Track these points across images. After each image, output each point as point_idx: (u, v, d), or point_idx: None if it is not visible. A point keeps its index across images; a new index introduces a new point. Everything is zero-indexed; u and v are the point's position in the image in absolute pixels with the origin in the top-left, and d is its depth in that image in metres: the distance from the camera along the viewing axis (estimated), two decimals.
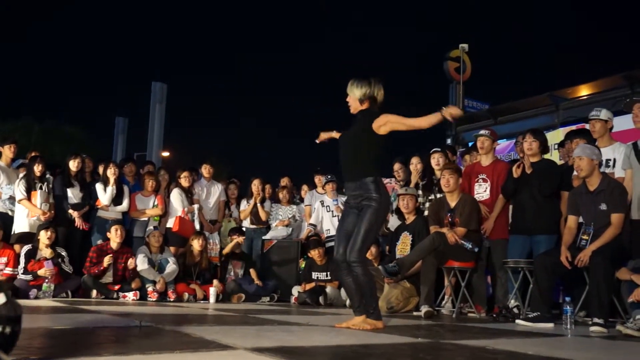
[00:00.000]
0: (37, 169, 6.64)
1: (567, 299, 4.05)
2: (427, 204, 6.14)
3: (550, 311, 4.37)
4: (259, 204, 7.84)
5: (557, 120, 10.07)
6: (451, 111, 3.58)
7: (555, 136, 8.39)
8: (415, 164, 6.45)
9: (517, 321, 4.35)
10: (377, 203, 3.62)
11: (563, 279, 5.08)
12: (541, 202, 5.10)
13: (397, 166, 6.82)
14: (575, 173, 4.77)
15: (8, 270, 6.19)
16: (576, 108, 9.76)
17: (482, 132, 5.84)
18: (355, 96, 3.82)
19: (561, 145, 6.43)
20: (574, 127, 7.59)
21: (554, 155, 7.06)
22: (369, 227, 3.61)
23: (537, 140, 5.25)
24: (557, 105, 10.36)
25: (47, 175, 6.83)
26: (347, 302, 6.29)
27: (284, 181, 8.76)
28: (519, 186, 5.20)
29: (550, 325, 4.13)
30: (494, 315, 4.98)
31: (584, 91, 10.43)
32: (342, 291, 6.60)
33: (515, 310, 4.92)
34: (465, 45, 16.23)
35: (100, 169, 7.28)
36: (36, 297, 5.90)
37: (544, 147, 5.34)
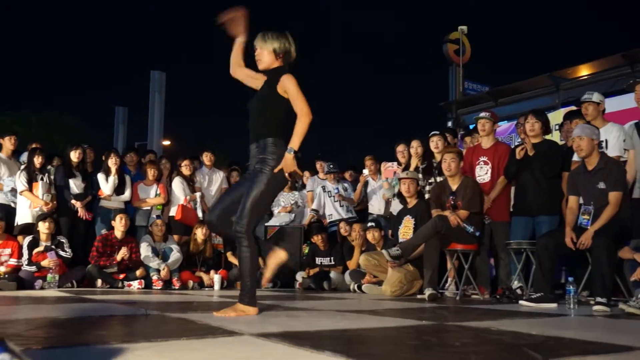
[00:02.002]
0: (37, 160, 6.66)
1: (570, 279, 4.07)
2: (428, 187, 6.15)
3: (553, 291, 4.40)
4: None
5: (558, 101, 10.02)
6: (289, 169, 3.22)
7: (556, 117, 8.35)
8: (415, 147, 6.44)
9: (521, 302, 4.37)
10: (270, 168, 3.22)
11: (566, 260, 5.09)
12: (543, 183, 5.10)
13: (400, 147, 6.80)
14: (575, 155, 4.76)
15: (12, 262, 6.21)
16: (577, 88, 9.70)
17: (482, 114, 5.83)
18: (269, 49, 3.38)
19: (562, 125, 6.41)
20: (574, 108, 7.56)
21: (555, 136, 7.04)
22: (258, 193, 3.20)
23: (539, 121, 5.25)
24: (557, 86, 10.30)
25: (48, 167, 6.84)
26: (352, 286, 6.33)
27: None
28: (521, 168, 5.20)
29: (554, 305, 4.15)
30: (498, 297, 5.00)
31: (584, 71, 10.38)
32: (347, 276, 6.63)
33: (519, 291, 4.94)
34: (465, 27, 16.11)
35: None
36: (41, 288, 5.93)
37: (546, 128, 5.33)
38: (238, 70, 3.60)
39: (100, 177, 7.03)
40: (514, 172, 5.28)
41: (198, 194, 7.45)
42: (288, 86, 3.29)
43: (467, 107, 12.36)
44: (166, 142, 21.28)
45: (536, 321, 3.14)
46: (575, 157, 4.87)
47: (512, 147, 5.77)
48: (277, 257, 3.44)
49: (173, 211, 7.29)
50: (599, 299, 3.93)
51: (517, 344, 2.11)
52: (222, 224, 3.38)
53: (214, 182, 7.87)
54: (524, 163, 5.17)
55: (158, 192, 7.31)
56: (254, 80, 3.55)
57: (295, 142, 3.24)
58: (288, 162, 3.21)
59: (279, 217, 7.97)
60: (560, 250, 4.44)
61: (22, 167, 6.72)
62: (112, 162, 6.99)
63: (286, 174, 3.24)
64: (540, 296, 4.25)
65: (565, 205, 4.76)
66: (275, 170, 3.21)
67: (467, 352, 1.88)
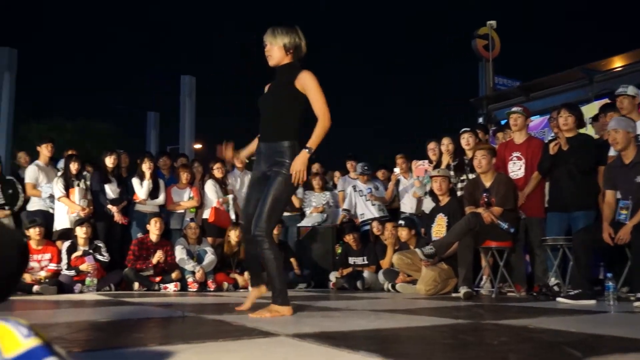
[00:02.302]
0: (74, 166, 6.80)
1: (609, 275, 3.99)
2: (460, 185, 6.09)
3: (591, 288, 4.31)
4: None
5: (592, 94, 9.83)
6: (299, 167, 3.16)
7: (589, 110, 8.19)
8: (446, 144, 6.39)
9: (558, 299, 4.29)
10: (289, 170, 3.16)
11: (604, 255, 4.99)
12: (578, 178, 5.01)
13: (432, 145, 6.75)
14: (611, 150, 4.67)
15: (52, 266, 6.36)
16: (610, 80, 9.50)
17: (514, 109, 5.75)
18: (279, 44, 3.30)
19: (595, 119, 6.29)
20: (608, 101, 7.40)
21: (589, 130, 6.91)
22: (277, 196, 3.16)
23: (573, 115, 5.15)
24: (590, 78, 10.10)
25: (84, 172, 6.99)
26: (385, 285, 6.31)
27: (315, 167, 8.79)
28: (556, 163, 5.11)
29: (593, 302, 4.07)
30: (534, 294, 4.93)
31: (617, 63, 10.16)
32: (380, 275, 6.61)
33: (556, 288, 4.86)
34: (493, 22, 15.92)
35: None
36: (80, 292, 6.06)
37: (580, 122, 5.23)
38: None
39: (135, 181, 7.15)
40: (547, 168, 5.20)
41: (231, 196, 7.52)
42: (309, 84, 3.24)
43: (498, 103, 12.22)
44: (198, 146, 21.50)
45: (575, 318, 3.09)
46: (611, 152, 4.78)
47: (545, 142, 5.68)
48: (259, 291, 3.54)
49: (206, 214, 7.37)
50: (639, 295, 3.84)
51: (556, 342, 2.08)
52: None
53: (246, 184, 7.91)
54: (558, 158, 5.08)
55: (191, 195, 7.40)
56: None
57: (313, 142, 3.22)
58: (301, 160, 3.17)
59: (311, 218, 7.99)
60: (598, 245, 4.36)
61: (59, 173, 6.88)
62: (146, 167, 7.10)
63: (292, 172, 3.17)
64: (578, 293, 4.17)
65: (602, 200, 4.67)
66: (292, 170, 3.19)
67: (505, 350, 1.86)
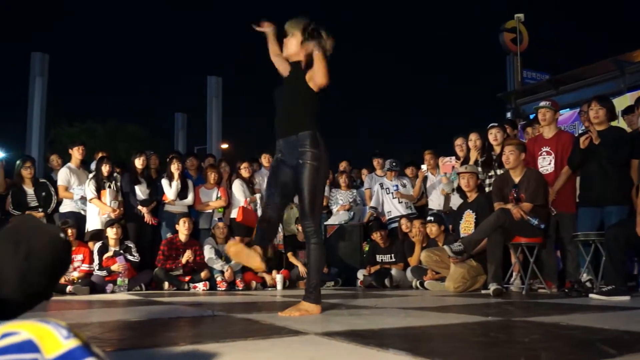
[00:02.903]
0: (105, 168, 6.91)
1: None
2: (488, 181, 6.03)
3: (625, 283, 4.23)
4: None
5: (624, 86, 9.65)
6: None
7: (622, 102, 8.05)
8: (474, 140, 6.32)
9: (591, 295, 4.22)
10: (315, 159, 3.14)
11: (638, 250, 4.89)
12: (611, 172, 4.91)
13: (459, 141, 6.68)
14: None
15: (85, 267, 6.49)
16: None
17: (542, 103, 5.67)
18: (297, 40, 3.29)
19: (627, 111, 6.17)
20: None
21: (621, 123, 6.78)
22: (312, 187, 3.14)
23: (604, 107, 5.04)
24: (622, 70, 9.92)
25: (115, 174, 7.10)
26: (414, 283, 6.28)
27: (343, 165, 8.79)
28: (587, 157, 5.02)
29: (627, 298, 4.00)
30: (566, 291, 4.86)
31: None
32: (408, 272, 6.58)
33: (588, 284, 4.78)
34: (521, 15, 15.73)
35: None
36: (112, 292, 6.16)
37: (611, 114, 5.11)
38: (276, 57, 3.56)
39: (164, 182, 7.23)
40: (578, 162, 5.11)
41: (258, 196, 7.56)
42: (315, 54, 3.14)
43: (527, 97, 12.08)
44: (225, 146, 21.67)
45: (608, 315, 3.03)
46: None
47: (576, 135, 5.59)
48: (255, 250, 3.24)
49: (234, 213, 7.42)
50: None
51: (590, 339, 2.05)
52: (278, 218, 3.37)
53: None
54: (589, 152, 4.98)
55: (219, 195, 7.47)
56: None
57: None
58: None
59: (338, 216, 7.99)
60: (632, 240, 4.27)
61: (91, 175, 7.00)
62: (174, 168, 7.18)
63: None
64: (611, 289, 4.09)
65: (635, 194, 4.58)
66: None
67: (537, 348, 1.84)
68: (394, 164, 7.82)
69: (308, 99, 3.26)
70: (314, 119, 3.27)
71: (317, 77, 3.16)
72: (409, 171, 8.28)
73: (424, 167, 7.62)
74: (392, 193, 7.67)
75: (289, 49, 3.34)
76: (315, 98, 3.25)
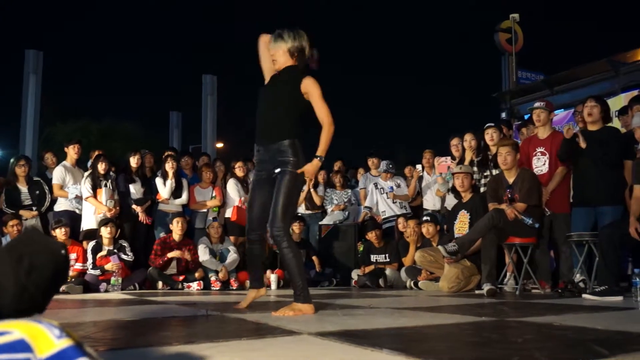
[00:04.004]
0: (101, 167, 6.88)
1: (636, 270, 3.92)
2: (483, 181, 6.04)
3: (618, 284, 4.25)
4: (312, 189, 7.90)
5: (618, 86, 9.69)
6: (311, 175, 3.32)
7: (616, 103, 8.08)
8: (469, 140, 6.33)
9: (584, 296, 4.24)
10: (294, 167, 3.23)
11: (631, 251, 4.91)
12: (605, 172, 4.92)
13: (455, 141, 6.68)
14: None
15: (78, 266, 6.46)
16: (638, 72, 9.37)
17: (536, 104, 5.68)
18: (284, 48, 3.37)
19: (622, 112, 6.19)
20: (636, 92, 7.29)
21: (616, 123, 6.81)
22: (287, 194, 3.21)
23: (598, 104, 5.05)
24: (616, 71, 9.96)
25: (111, 173, 7.08)
26: (408, 283, 6.29)
27: (337, 165, 8.79)
28: (581, 156, 5.02)
29: (619, 298, 4.02)
30: (559, 291, 4.87)
31: None
32: (402, 273, 6.59)
33: (582, 284, 4.80)
34: (516, 15, 15.77)
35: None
36: (106, 291, 6.14)
37: (606, 114, 5.13)
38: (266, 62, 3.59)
39: (158, 181, 7.21)
40: (566, 152, 5.09)
41: None
42: (312, 91, 3.29)
43: (522, 97, 12.11)
44: (220, 145, 21.63)
45: (601, 315, 3.05)
46: None
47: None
48: (258, 293, 3.64)
49: (229, 213, 7.41)
50: None
51: (582, 339, 2.06)
52: (261, 234, 3.51)
53: None
54: (583, 151, 4.99)
55: (214, 194, 7.45)
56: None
57: (322, 150, 3.31)
58: (313, 168, 3.30)
59: (333, 216, 7.99)
60: (625, 240, 4.29)
61: (87, 173, 6.97)
62: (169, 167, 7.16)
63: (306, 178, 3.33)
64: (604, 289, 4.11)
65: (629, 195, 4.59)
66: (298, 172, 3.26)
67: (530, 348, 1.84)
68: (390, 165, 7.82)
69: (293, 105, 3.32)
70: (297, 125, 3.33)
71: (321, 119, 3.29)
72: (407, 170, 8.24)
73: (419, 166, 7.61)
74: (386, 193, 7.68)
75: (279, 62, 3.42)
76: (303, 103, 3.32)
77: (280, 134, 3.29)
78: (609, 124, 5.35)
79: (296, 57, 3.39)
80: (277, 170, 3.28)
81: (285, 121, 3.31)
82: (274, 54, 3.41)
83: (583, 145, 4.92)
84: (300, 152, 3.28)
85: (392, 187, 7.61)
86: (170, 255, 6.58)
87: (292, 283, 3.29)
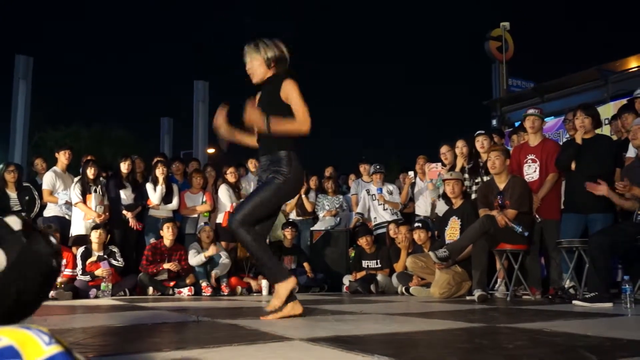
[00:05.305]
0: (91, 172, 6.85)
1: (626, 277, 3.94)
2: (474, 188, 6.06)
3: (608, 290, 4.26)
4: (303, 196, 7.90)
5: (607, 94, 9.78)
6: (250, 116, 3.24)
7: (605, 110, 8.15)
8: (460, 147, 6.36)
9: (574, 302, 4.25)
10: (283, 178, 3.21)
11: (621, 257, 4.94)
12: (596, 180, 4.94)
13: (444, 149, 6.71)
14: (629, 151, 4.63)
15: (68, 272, 6.42)
16: (626, 80, 9.45)
17: (530, 111, 5.70)
18: (259, 60, 3.32)
19: (614, 118, 6.25)
20: (624, 101, 7.35)
21: (606, 130, 6.86)
22: (265, 197, 3.20)
23: (589, 116, 5.09)
24: (606, 79, 10.06)
25: (101, 178, 7.04)
26: (399, 289, 6.29)
27: (329, 171, 8.80)
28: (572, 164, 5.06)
29: (609, 305, 4.03)
30: (550, 297, 4.89)
31: (633, 63, 10.10)
32: (394, 278, 6.60)
33: (572, 291, 4.82)
34: (507, 24, 15.89)
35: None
36: (96, 297, 6.11)
37: (597, 122, 5.17)
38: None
39: (149, 186, 7.19)
40: (565, 162, 5.11)
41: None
42: (290, 92, 3.25)
43: (512, 105, 12.19)
44: (211, 150, 21.59)
45: (591, 322, 3.06)
46: (629, 153, 4.73)
47: (561, 144, 5.64)
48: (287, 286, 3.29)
49: (220, 218, 7.39)
50: None
51: (572, 345, 2.06)
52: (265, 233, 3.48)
53: None
54: (576, 159, 5.02)
55: (204, 199, 7.43)
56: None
57: (276, 122, 3.20)
58: (255, 116, 3.20)
59: (325, 221, 7.99)
60: (616, 247, 4.31)
61: (76, 179, 6.94)
62: (159, 172, 7.14)
63: (246, 119, 3.23)
64: (594, 296, 4.12)
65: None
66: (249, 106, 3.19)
67: (521, 354, 1.85)
68: (377, 166, 7.84)
69: (281, 116, 3.25)
70: (292, 138, 3.30)
71: (299, 121, 3.22)
72: (402, 177, 8.25)
73: (410, 173, 7.63)
74: (373, 195, 7.69)
75: (257, 75, 3.37)
76: (290, 112, 3.26)
77: (278, 146, 3.28)
78: (599, 131, 5.39)
79: (274, 65, 3.35)
80: (270, 176, 3.27)
81: (280, 134, 3.28)
82: (250, 68, 3.38)
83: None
84: (295, 164, 3.27)
85: (380, 189, 7.61)
86: (165, 266, 6.56)
87: (262, 264, 3.30)
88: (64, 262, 6.45)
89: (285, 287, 3.17)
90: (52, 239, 1.23)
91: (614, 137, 5.87)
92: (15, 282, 1.11)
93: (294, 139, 3.32)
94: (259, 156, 3.44)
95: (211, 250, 6.67)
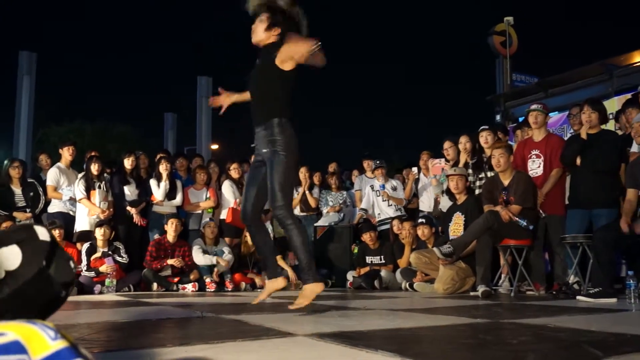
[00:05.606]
0: (95, 168, 6.86)
1: (630, 272, 3.93)
2: (478, 183, 6.05)
3: (612, 286, 4.25)
4: (307, 192, 7.90)
5: (612, 89, 9.73)
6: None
7: (610, 105, 8.11)
8: (464, 143, 6.34)
9: (578, 297, 4.25)
10: (282, 149, 3.18)
11: (625, 253, 4.93)
12: (600, 175, 4.94)
13: (447, 144, 6.70)
14: (633, 146, 4.61)
15: None
16: (631, 75, 9.40)
17: (534, 106, 5.69)
18: (264, 22, 3.29)
19: (618, 113, 6.22)
20: (629, 95, 7.32)
21: (610, 125, 6.84)
22: (282, 174, 3.18)
23: (596, 111, 5.07)
24: (610, 74, 10.00)
25: (105, 174, 7.05)
26: (403, 284, 6.29)
27: (332, 167, 8.79)
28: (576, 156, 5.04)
29: (613, 300, 4.02)
30: (554, 293, 4.88)
31: (638, 57, 10.05)
32: (398, 274, 6.59)
33: (576, 286, 4.81)
34: (511, 18, 15.82)
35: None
36: (100, 293, 6.13)
37: (603, 118, 5.15)
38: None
39: (152, 183, 7.20)
40: (570, 157, 5.10)
41: None
42: (283, 49, 3.16)
43: (516, 100, 12.14)
44: (215, 146, 21.61)
45: (595, 317, 3.05)
46: (633, 148, 4.71)
47: (565, 139, 5.62)
48: (277, 283, 3.48)
49: (224, 214, 7.40)
50: None
51: (576, 341, 2.06)
52: (255, 219, 3.48)
53: None
54: (581, 154, 5.00)
55: (208, 195, 7.44)
56: None
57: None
58: (304, 43, 3.07)
59: (328, 217, 7.99)
60: (620, 243, 4.30)
61: (80, 175, 6.95)
62: (163, 168, 7.15)
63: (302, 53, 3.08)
64: (598, 291, 4.12)
65: (623, 198, 4.61)
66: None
67: (525, 350, 1.85)
68: (377, 162, 7.83)
69: (277, 84, 3.26)
70: (283, 103, 3.28)
71: (297, 48, 3.12)
72: (405, 172, 8.23)
73: (414, 169, 7.61)
74: (377, 191, 7.68)
75: (257, 35, 3.34)
76: (286, 80, 3.25)
77: (269, 114, 3.25)
78: (605, 126, 5.37)
79: (276, 33, 3.30)
80: (265, 150, 3.25)
81: (273, 101, 3.27)
82: (255, 28, 3.34)
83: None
84: (289, 130, 3.24)
85: (383, 185, 7.60)
86: (169, 262, 6.57)
87: (299, 262, 3.31)
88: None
89: (315, 289, 3.23)
90: (72, 264, 1.22)
91: (619, 132, 5.84)
92: (13, 309, 1.11)
93: (285, 104, 3.28)
94: (253, 127, 3.40)
95: (223, 263, 6.68)
